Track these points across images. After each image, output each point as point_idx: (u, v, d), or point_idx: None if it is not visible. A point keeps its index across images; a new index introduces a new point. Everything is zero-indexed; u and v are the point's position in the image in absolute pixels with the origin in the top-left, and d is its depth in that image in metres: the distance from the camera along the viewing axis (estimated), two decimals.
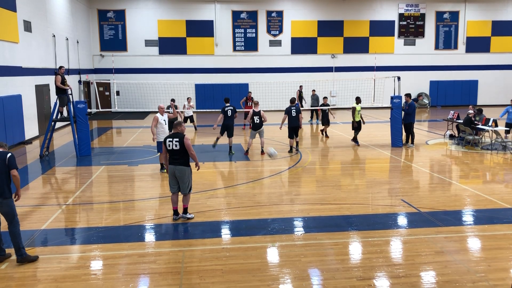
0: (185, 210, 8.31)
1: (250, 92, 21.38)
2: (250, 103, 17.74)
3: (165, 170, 12.07)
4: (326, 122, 18.23)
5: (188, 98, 19.87)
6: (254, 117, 14.17)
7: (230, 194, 10.11)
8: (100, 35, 29.72)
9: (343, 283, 5.77)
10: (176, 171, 8.03)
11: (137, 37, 29.81)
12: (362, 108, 16.19)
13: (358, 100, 16.04)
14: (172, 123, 17.94)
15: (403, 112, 15.69)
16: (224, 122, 14.42)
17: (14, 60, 17.12)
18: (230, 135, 14.49)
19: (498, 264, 6.32)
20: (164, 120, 11.99)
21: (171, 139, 7.98)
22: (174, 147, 7.96)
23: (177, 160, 8.01)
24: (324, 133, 18.34)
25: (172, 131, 8.18)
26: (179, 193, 8.30)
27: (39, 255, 6.80)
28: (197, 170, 8.42)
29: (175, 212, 8.28)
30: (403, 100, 15.90)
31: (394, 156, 14.30)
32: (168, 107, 17.79)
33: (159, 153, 12.23)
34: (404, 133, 15.96)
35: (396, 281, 5.82)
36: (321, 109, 18.39)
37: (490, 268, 6.18)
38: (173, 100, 17.95)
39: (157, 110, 12.18)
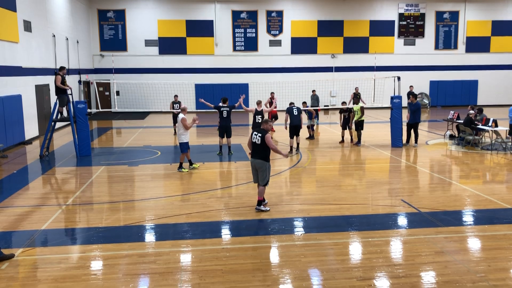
0: (259, 203, 8.77)
1: (273, 93, 20.45)
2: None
3: (183, 169, 12.33)
4: (348, 127, 16.53)
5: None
6: (256, 116, 14.11)
7: (230, 194, 10.12)
8: (100, 35, 29.71)
9: (343, 283, 5.77)
10: (256, 164, 8.64)
11: (137, 37, 29.81)
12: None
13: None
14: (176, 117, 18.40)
15: (408, 113, 15.65)
16: (221, 123, 14.36)
17: (14, 60, 17.12)
18: (228, 135, 14.45)
19: (498, 264, 6.32)
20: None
21: (256, 133, 8.65)
22: (256, 141, 8.60)
23: (257, 153, 8.63)
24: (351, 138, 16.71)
25: (262, 126, 8.85)
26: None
27: (39, 255, 6.81)
28: (286, 157, 9.29)
29: (263, 201, 8.86)
30: (406, 101, 15.86)
31: (394, 156, 14.30)
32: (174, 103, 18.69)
33: (182, 153, 12.39)
34: (405, 133, 15.96)
35: (396, 281, 5.82)
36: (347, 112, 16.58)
37: (490, 268, 6.18)
38: (176, 96, 19.15)
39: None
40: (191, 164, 12.63)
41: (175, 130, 19.26)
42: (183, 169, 12.38)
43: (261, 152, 8.59)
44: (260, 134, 8.58)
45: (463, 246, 7.03)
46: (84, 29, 28.07)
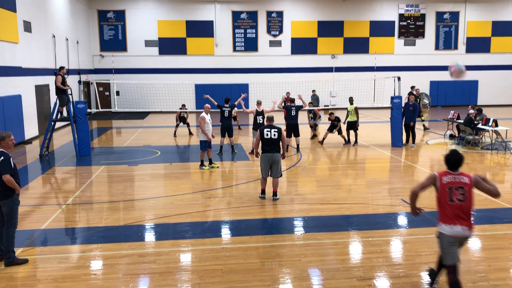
0: (275, 193, 9.40)
1: (289, 93, 19.73)
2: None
3: (204, 167, 12.47)
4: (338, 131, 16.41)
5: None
6: (258, 116, 14.11)
7: (230, 194, 10.11)
8: (100, 35, 29.71)
9: (343, 283, 5.76)
10: (274, 157, 9.16)
11: (137, 37, 29.80)
12: (362, 107, 16.11)
13: (349, 100, 16.18)
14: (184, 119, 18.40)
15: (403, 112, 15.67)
16: (222, 122, 14.41)
17: (14, 60, 17.11)
18: (230, 135, 14.49)
19: (499, 264, 6.31)
20: (210, 119, 12.34)
21: (268, 130, 9.16)
22: (273, 136, 9.10)
23: (273, 148, 9.14)
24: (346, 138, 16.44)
25: (267, 123, 9.40)
26: (270, 177, 9.38)
27: (39, 255, 6.81)
28: (283, 158, 9.47)
29: (263, 192, 9.52)
30: (404, 100, 15.87)
31: (394, 156, 14.29)
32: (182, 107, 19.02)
33: (201, 151, 12.50)
34: (404, 133, 15.95)
35: (397, 281, 5.81)
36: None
37: (491, 268, 6.18)
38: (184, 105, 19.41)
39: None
40: (210, 162, 12.74)
41: (175, 132, 19.29)
42: (204, 167, 12.49)
43: (277, 146, 9.17)
44: (276, 130, 9.15)
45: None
46: (84, 30, 28.07)
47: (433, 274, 5.62)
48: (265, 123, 10.11)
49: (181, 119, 19.19)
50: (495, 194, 5.19)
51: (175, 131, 19.31)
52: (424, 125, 20.01)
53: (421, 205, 8.99)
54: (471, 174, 5.23)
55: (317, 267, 6.27)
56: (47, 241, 7.44)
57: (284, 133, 9.11)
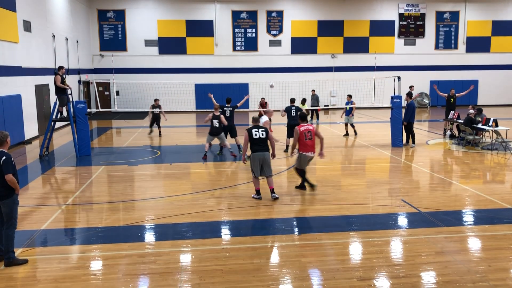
0: (272, 191, 9.49)
1: (263, 98, 20.24)
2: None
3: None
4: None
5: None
6: (213, 120, 13.86)
7: (230, 194, 10.10)
8: (100, 35, 29.71)
9: (343, 284, 5.76)
10: (265, 156, 9.33)
11: (137, 37, 29.80)
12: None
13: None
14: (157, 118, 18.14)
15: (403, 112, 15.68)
16: None
17: (13, 60, 17.10)
18: (233, 135, 14.50)
19: (499, 264, 6.31)
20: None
21: (256, 130, 9.38)
22: (261, 136, 9.33)
23: (263, 147, 9.34)
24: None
25: (253, 124, 9.59)
26: (263, 176, 9.54)
27: (39, 255, 6.80)
28: (273, 158, 9.61)
29: (258, 192, 9.51)
30: (403, 101, 15.89)
31: (394, 156, 14.28)
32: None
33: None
34: (404, 133, 15.95)
35: (397, 282, 5.81)
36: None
37: (491, 268, 6.17)
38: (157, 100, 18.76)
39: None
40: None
41: (151, 130, 18.96)
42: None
43: (266, 145, 9.40)
44: (263, 129, 9.40)
45: (463, 246, 7.02)
46: (84, 29, 28.06)
47: (303, 185, 9.81)
48: (251, 124, 10.00)
49: (155, 119, 18.31)
50: (321, 137, 9.79)
51: (151, 130, 18.82)
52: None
53: (421, 205, 9.04)
54: (313, 125, 8.96)
55: (317, 267, 6.26)
56: (47, 241, 7.44)
57: (271, 133, 9.83)
